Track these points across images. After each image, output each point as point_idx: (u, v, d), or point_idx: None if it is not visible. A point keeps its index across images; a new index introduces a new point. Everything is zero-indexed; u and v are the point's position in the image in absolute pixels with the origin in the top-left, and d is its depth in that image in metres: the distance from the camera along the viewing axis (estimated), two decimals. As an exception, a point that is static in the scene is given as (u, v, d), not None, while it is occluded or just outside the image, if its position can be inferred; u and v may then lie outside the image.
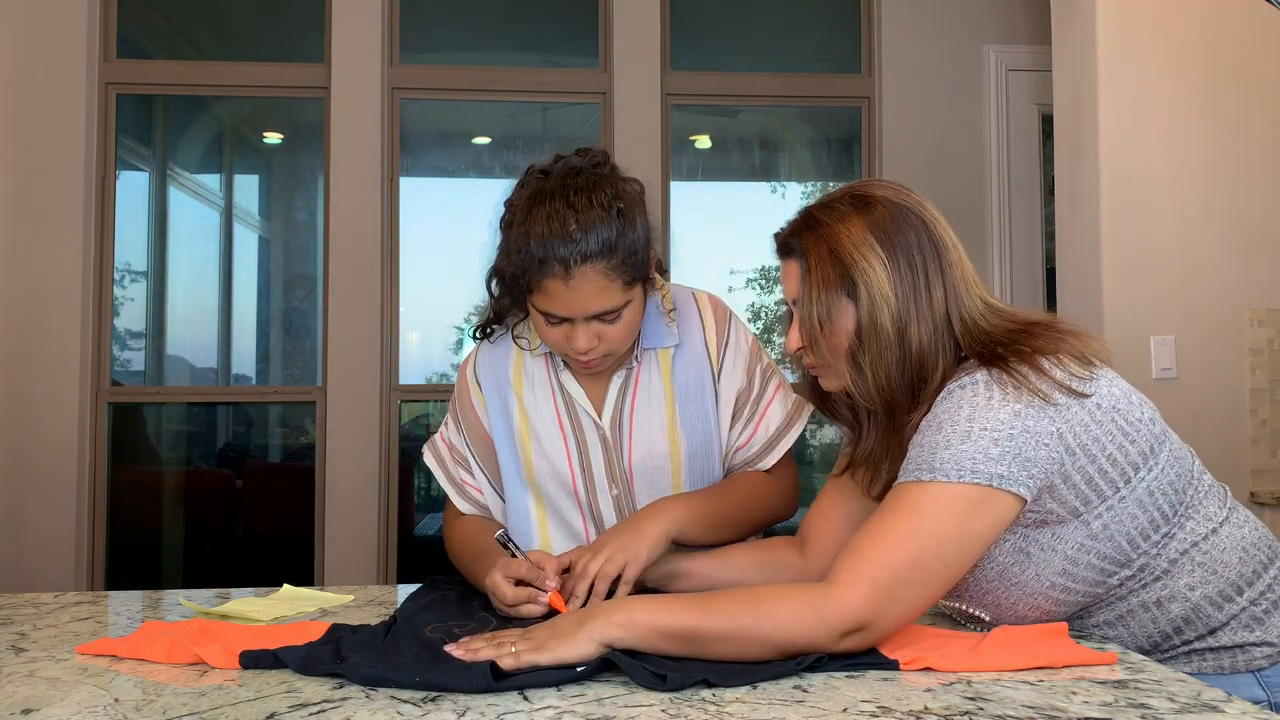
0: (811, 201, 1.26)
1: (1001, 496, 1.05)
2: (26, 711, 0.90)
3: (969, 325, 1.17)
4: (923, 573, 1.03)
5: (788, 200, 4.20)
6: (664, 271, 1.58)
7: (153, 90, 3.70)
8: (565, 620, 1.05)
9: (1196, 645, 1.16)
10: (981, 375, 1.10)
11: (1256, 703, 1.13)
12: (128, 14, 3.59)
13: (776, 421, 1.53)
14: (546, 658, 0.99)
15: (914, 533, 1.04)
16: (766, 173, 4.24)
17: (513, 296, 1.42)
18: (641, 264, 1.38)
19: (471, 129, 4.08)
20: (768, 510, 1.52)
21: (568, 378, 1.51)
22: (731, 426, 1.53)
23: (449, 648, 1.05)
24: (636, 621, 1.02)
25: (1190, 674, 1.15)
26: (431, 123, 3.92)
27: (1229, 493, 1.23)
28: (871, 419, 1.23)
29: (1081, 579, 1.13)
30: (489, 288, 1.46)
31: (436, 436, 1.63)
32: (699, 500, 1.43)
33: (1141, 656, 1.06)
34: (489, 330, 1.55)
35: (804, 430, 1.55)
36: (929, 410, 1.13)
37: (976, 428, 1.06)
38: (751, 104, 3.94)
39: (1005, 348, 1.12)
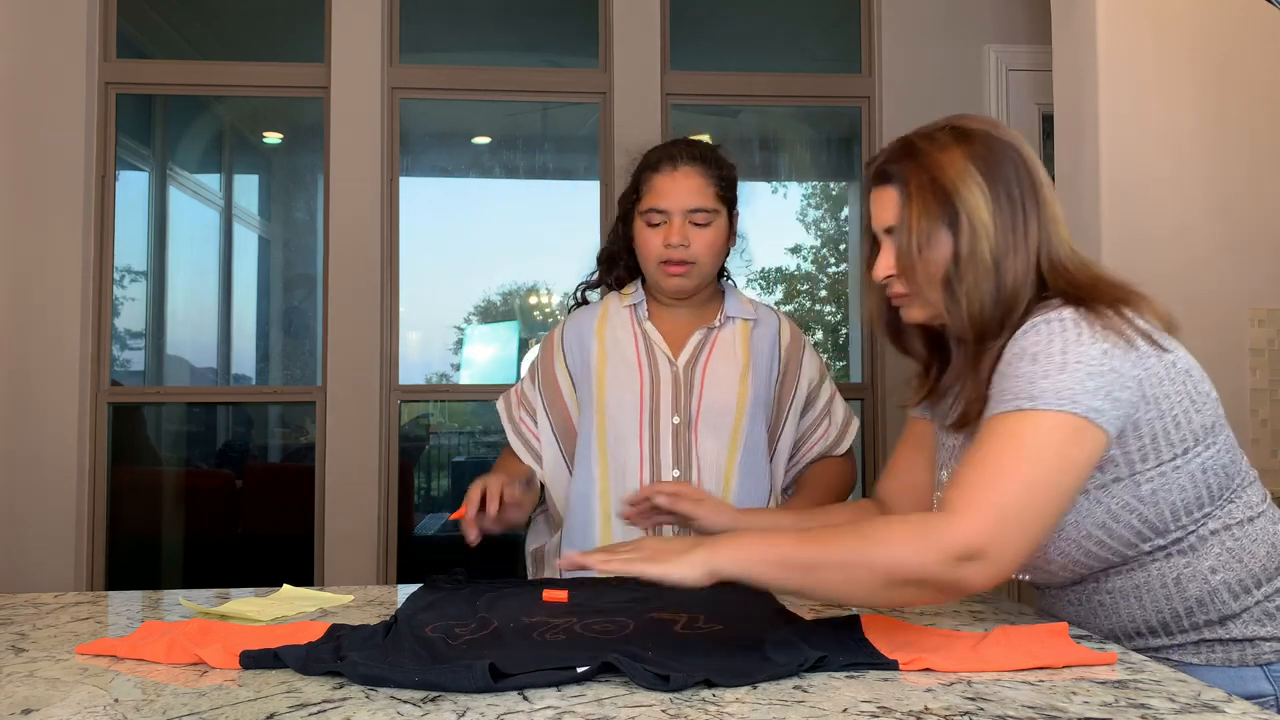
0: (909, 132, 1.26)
1: (1094, 431, 1.05)
2: (26, 711, 0.90)
3: (1056, 264, 1.17)
4: (1038, 498, 1.03)
5: (788, 200, 4.19)
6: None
7: (153, 90, 3.70)
8: (679, 539, 1.08)
9: (1206, 634, 1.16)
10: (1069, 312, 1.10)
11: (1263, 697, 1.13)
12: (128, 14, 3.59)
13: (841, 414, 1.85)
14: (655, 570, 1.01)
15: (1025, 459, 1.03)
16: (766, 173, 4.24)
17: (624, 223, 1.79)
18: (730, 189, 1.78)
19: (471, 129, 4.08)
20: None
21: (650, 326, 1.75)
22: (804, 414, 1.80)
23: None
24: (745, 548, 1.03)
25: (1198, 665, 1.16)
26: (431, 123, 3.92)
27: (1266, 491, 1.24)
28: (959, 348, 1.24)
29: (1117, 537, 1.13)
30: (599, 263, 1.86)
31: (511, 389, 1.88)
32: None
33: (1141, 656, 1.06)
34: (584, 297, 1.87)
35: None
36: (1008, 342, 1.13)
37: (1071, 360, 1.06)
38: (751, 104, 3.94)
39: (1087, 291, 1.13)
